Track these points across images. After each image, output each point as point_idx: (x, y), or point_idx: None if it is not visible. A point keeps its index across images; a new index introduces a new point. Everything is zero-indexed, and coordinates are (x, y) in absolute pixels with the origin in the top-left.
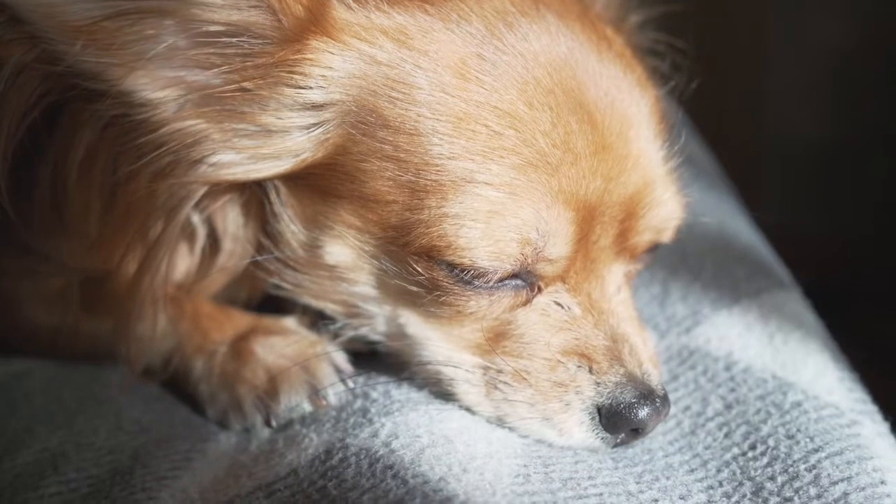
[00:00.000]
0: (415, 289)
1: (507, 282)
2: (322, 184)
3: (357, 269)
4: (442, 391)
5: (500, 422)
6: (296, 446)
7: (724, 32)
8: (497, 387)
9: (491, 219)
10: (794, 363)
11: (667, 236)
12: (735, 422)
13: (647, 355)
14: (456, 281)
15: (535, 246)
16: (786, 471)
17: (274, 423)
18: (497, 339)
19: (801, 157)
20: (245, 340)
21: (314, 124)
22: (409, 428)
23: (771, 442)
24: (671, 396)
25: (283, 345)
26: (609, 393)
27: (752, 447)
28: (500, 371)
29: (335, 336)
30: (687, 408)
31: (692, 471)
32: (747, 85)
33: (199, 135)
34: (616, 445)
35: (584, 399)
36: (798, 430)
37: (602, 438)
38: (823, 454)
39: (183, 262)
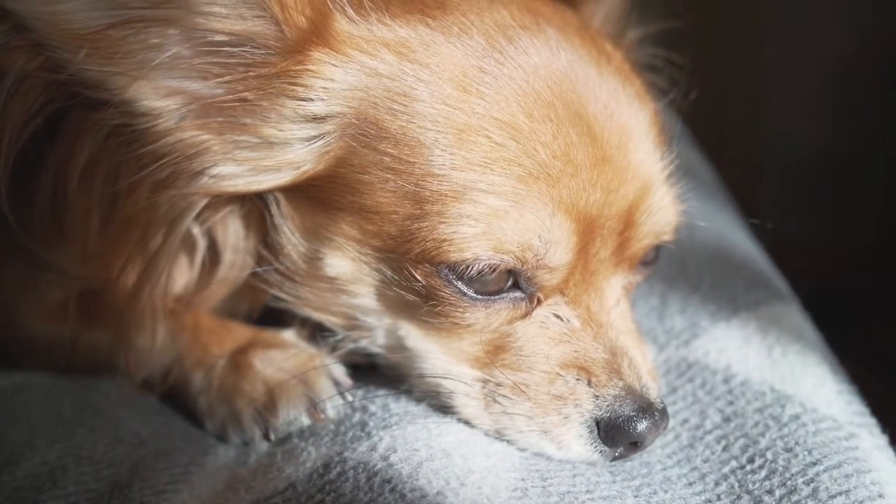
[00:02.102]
0: (413, 298)
1: (504, 294)
2: (323, 196)
3: (357, 280)
4: (441, 404)
5: (498, 435)
6: (294, 460)
7: (724, 42)
8: (496, 400)
9: (492, 220)
10: (793, 376)
11: (665, 238)
12: (733, 435)
13: (646, 368)
14: (453, 291)
15: (537, 252)
16: (784, 484)
17: (272, 437)
18: (496, 351)
19: (801, 166)
20: (244, 354)
21: (315, 136)
22: (407, 441)
23: (769, 455)
24: (669, 409)
25: (281, 358)
26: (608, 406)
27: (751, 460)
28: (498, 384)
29: (334, 349)
30: (685, 421)
31: (690, 484)
32: (747, 95)
33: (200, 146)
34: (615, 459)
35: (582, 412)
36: (796, 443)
37: (600, 452)
38: (822, 467)
39: (182, 274)
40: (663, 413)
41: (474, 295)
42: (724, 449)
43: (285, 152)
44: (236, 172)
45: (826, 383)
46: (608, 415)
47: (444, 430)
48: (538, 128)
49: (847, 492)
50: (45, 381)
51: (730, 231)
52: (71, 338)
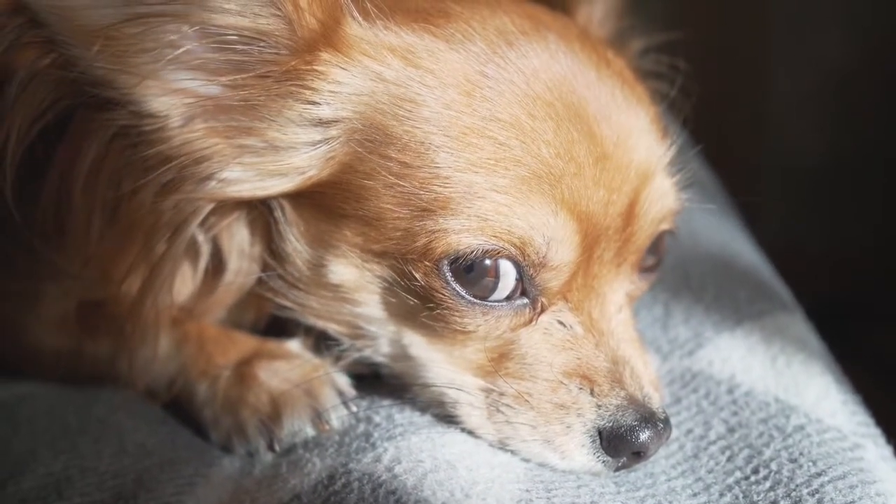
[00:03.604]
0: (414, 302)
1: (504, 303)
2: (327, 203)
3: (361, 287)
4: (445, 414)
5: (502, 445)
6: (299, 471)
7: (726, 49)
8: (499, 409)
9: (495, 216)
10: (797, 386)
11: (665, 226)
12: (738, 445)
13: (649, 378)
14: (451, 293)
15: (539, 250)
16: (789, 495)
17: (277, 448)
18: (500, 359)
19: (803, 172)
20: (249, 365)
21: (321, 141)
22: (411, 452)
23: (774, 466)
24: (673, 419)
25: (286, 369)
26: (610, 416)
27: (755, 471)
28: (502, 393)
29: (338, 358)
30: (689, 431)
31: (695, 495)
32: (748, 100)
33: (207, 150)
34: (618, 469)
35: (585, 422)
36: (801, 454)
37: (603, 462)
38: (826, 478)
39: (186, 282)
40: (666, 423)
41: (471, 298)
42: (729, 460)
43: (291, 157)
44: (242, 177)
45: (830, 393)
46: (610, 424)
47: (448, 441)
48: (540, 128)
49: (852, 503)
50: (49, 392)
51: (733, 240)
52: (75, 349)
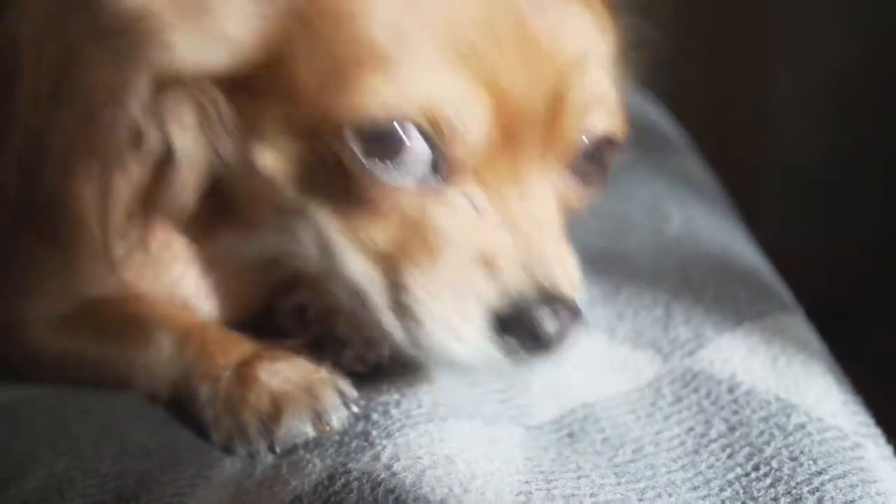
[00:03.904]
0: (326, 178)
1: (413, 177)
2: (256, 87)
3: (281, 172)
4: (369, 319)
5: (414, 346)
6: (299, 472)
7: (727, 50)
8: (403, 300)
9: (408, 85)
10: (798, 386)
11: (600, 127)
12: (738, 443)
13: (561, 269)
14: (359, 164)
15: (450, 123)
16: (789, 493)
17: (278, 449)
18: (405, 240)
19: (803, 172)
20: (250, 366)
21: (252, 10)
22: (410, 449)
23: (774, 464)
24: (674, 418)
25: (287, 370)
26: (510, 298)
27: (756, 468)
28: (405, 286)
29: (338, 354)
30: (690, 429)
31: (695, 488)
32: (750, 101)
33: (150, 14)
34: (521, 360)
35: (483, 304)
36: (801, 453)
37: (500, 347)
38: (827, 477)
39: (137, 174)
40: (572, 308)
41: (378, 170)
42: (730, 456)
43: (224, 20)
44: (181, 45)
45: (831, 393)
46: (509, 306)
47: (447, 435)
48: (468, 4)
49: (852, 502)
50: (50, 393)
51: (733, 241)
52: (75, 350)
